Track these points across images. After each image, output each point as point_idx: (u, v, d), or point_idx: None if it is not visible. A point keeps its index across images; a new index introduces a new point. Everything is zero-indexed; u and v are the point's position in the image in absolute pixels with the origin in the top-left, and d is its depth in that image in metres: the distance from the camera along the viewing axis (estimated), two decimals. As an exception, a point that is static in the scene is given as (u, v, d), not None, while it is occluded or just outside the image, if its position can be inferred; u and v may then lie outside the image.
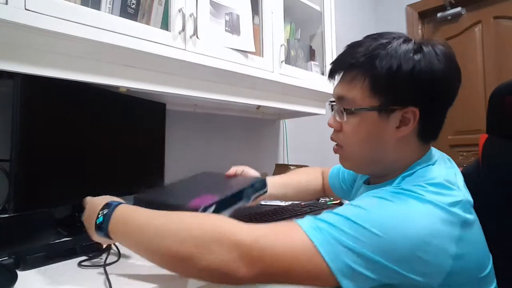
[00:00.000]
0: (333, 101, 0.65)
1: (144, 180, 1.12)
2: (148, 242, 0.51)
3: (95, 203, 0.60)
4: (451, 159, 0.64)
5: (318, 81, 1.48)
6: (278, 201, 1.29)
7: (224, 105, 1.40)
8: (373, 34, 0.61)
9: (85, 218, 0.62)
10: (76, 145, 0.88)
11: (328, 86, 1.52)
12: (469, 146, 2.18)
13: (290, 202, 1.29)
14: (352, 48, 0.60)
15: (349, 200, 0.86)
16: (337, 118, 0.62)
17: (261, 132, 1.72)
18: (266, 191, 0.82)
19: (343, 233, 0.46)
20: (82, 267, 0.64)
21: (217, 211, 0.64)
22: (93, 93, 0.92)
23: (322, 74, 1.55)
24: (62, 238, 0.81)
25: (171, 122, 1.29)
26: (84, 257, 0.67)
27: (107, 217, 0.56)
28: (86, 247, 0.69)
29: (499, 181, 0.70)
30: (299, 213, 1.07)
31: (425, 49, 0.56)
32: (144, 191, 0.72)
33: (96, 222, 0.57)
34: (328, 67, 1.54)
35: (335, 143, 0.66)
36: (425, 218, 0.46)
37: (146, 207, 0.58)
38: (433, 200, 0.48)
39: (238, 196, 0.71)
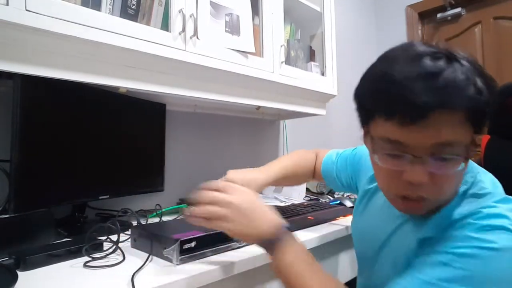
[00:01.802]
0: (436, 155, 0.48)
1: (144, 180, 1.12)
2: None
3: (263, 210, 0.62)
4: None
5: (318, 81, 1.48)
6: (278, 201, 1.29)
7: (224, 105, 1.40)
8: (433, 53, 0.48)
9: (241, 206, 0.59)
10: (76, 146, 0.88)
11: (327, 86, 1.53)
12: (470, 147, 2.18)
13: (290, 202, 1.29)
14: (439, 76, 0.45)
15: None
16: (430, 167, 0.48)
17: (261, 133, 1.72)
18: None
19: None
20: (86, 267, 0.64)
21: (199, 246, 0.67)
22: (93, 93, 0.92)
23: (322, 74, 1.55)
24: (62, 238, 0.81)
25: (171, 122, 1.29)
26: (86, 258, 0.67)
27: (279, 242, 0.57)
28: (89, 248, 0.69)
29: (501, 182, 0.70)
30: (300, 213, 1.07)
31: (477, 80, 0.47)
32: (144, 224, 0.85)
33: (265, 238, 0.58)
34: (328, 68, 1.55)
35: (411, 197, 0.51)
36: None
37: (140, 236, 0.74)
38: None
39: (226, 235, 0.67)
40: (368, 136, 0.56)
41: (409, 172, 0.48)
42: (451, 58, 0.47)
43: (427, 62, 0.46)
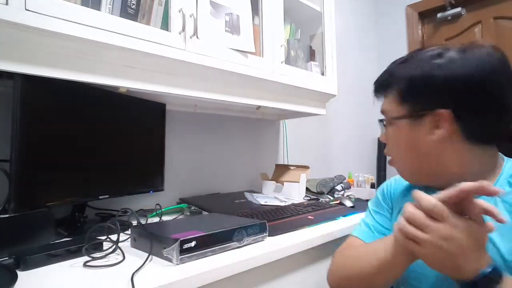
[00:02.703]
0: (382, 119, 0.72)
1: (144, 180, 1.12)
2: None
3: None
4: None
5: (318, 81, 1.48)
6: (278, 201, 1.29)
7: (224, 105, 1.40)
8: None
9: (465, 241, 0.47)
10: (76, 145, 0.88)
11: (327, 86, 1.53)
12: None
13: (290, 202, 1.29)
14: (387, 70, 0.70)
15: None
16: (382, 132, 0.71)
17: (261, 132, 1.72)
18: (266, 235, 0.82)
19: None
20: (86, 267, 0.64)
21: (198, 246, 0.67)
22: (93, 93, 0.92)
23: (322, 74, 1.55)
24: (62, 238, 0.81)
25: (171, 122, 1.29)
26: (85, 257, 0.67)
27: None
28: (89, 247, 0.69)
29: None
30: (300, 213, 1.07)
31: (447, 53, 0.60)
32: (144, 224, 0.84)
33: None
34: (328, 67, 1.55)
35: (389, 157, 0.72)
36: None
37: (140, 235, 0.74)
38: None
39: (226, 235, 0.73)
40: None
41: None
42: (393, 67, 0.68)
43: (395, 61, 0.69)
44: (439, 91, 0.59)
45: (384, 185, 0.82)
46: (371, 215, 0.80)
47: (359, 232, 0.78)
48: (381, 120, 0.72)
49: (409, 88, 0.62)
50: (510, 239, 0.54)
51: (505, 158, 0.65)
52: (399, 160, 0.69)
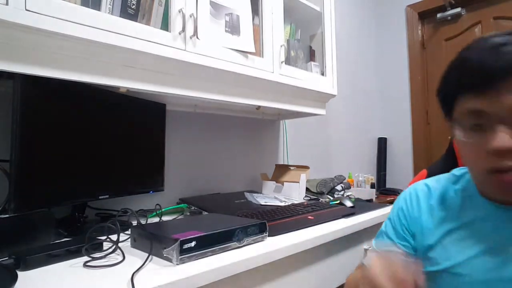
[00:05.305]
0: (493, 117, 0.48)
1: (144, 180, 1.12)
2: None
3: None
4: None
5: (318, 81, 1.48)
6: (278, 201, 1.29)
7: (224, 105, 1.40)
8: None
9: None
10: (76, 145, 0.88)
11: (327, 86, 1.53)
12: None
13: (290, 202, 1.29)
14: (507, 46, 0.47)
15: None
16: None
17: (261, 132, 1.72)
18: (266, 235, 0.82)
19: None
20: (86, 267, 0.64)
21: (198, 246, 0.67)
22: (93, 93, 0.92)
23: (322, 74, 1.55)
24: (62, 238, 0.81)
25: (171, 122, 1.29)
26: (85, 257, 0.67)
27: None
28: (89, 248, 0.69)
29: None
30: (300, 213, 1.07)
31: None
32: (144, 224, 0.84)
33: None
34: (328, 68, 1.55)
35: (502, 169, 0.48)
36: None
37: (140, 236, 0.73)
38: None
39: (226, 235, 0.73)
40: (454, 126, 0.54)
41: (493, 139, 0.47)
42: None
43: (495, 38, 0.49)
44: None
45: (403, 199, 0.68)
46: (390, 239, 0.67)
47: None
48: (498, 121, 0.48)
49: None
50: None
51: None
52: None
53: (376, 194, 2.17)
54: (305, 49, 1.55)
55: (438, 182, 0.67)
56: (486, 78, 0.47)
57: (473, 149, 0.51)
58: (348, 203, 1.29)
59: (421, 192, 0.67)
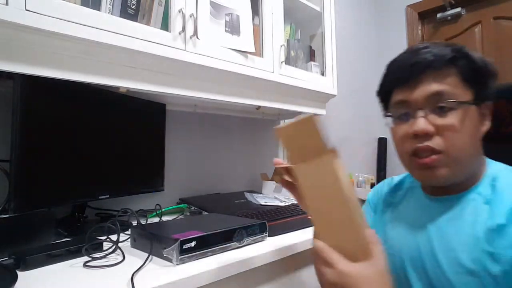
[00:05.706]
0: (404, 108, 0.58)
1: (144, 180, 1.12)
2: None
3: None
4: None
5: (318, 81, 1.48)
6: (278, 201, 1.29)
7: (224, 105, 1.40)
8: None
9: None
10: (76, 145, 0.88)
11: (327, 86, 1.53)
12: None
13: (290, 202, 1.29)
14: (425, 49, 0.57)
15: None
16: (433, 119, 0.55)
17: (261, 132, 1.72)
18: (266, 235, 0.82)
19: None
20: (86, 267, 0.64)
21: (198, 246, 0.67)
22: (93, 93, 0.92)
23: (322, 74, 1.55)
24: (62, 238, 0.81)
25: (171, 122, 1.29)
26: (85, 257, 0.67)
27: None
28: (89, 248, 0.69)
29: None
30: (300, 213, 1.07)
31: None
32: (144, 224, 0.85)
33: None
34: (328, 68, 1.55)
35: (428, 153, 0.55)
36: None
37: (140, 236, 0.73)
38: None
39: (226, 235, 0.73)
40: (389, 118, 0.63)
41: (413, 124, 0.56)
42: (448, 45, 0.57)
43: (420, 45, 0.59)
44: (491, 81, 0.57)
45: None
46: None
47: None
48: (436, 106, 0.55)
49: (477, 72, 0.56)
50: (471, 249, 0.52)
51: (489, 160, 0.61)
52: (458, 150, 0.54)
53: (376, 194, 2.16)
54: (305, 49, 1.55)
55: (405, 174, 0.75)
56: (406, 73, 0.57)
57: (399, 135, 0.60)
58: (348, 203, 1.29)
59: (386, 182, 0.78)
